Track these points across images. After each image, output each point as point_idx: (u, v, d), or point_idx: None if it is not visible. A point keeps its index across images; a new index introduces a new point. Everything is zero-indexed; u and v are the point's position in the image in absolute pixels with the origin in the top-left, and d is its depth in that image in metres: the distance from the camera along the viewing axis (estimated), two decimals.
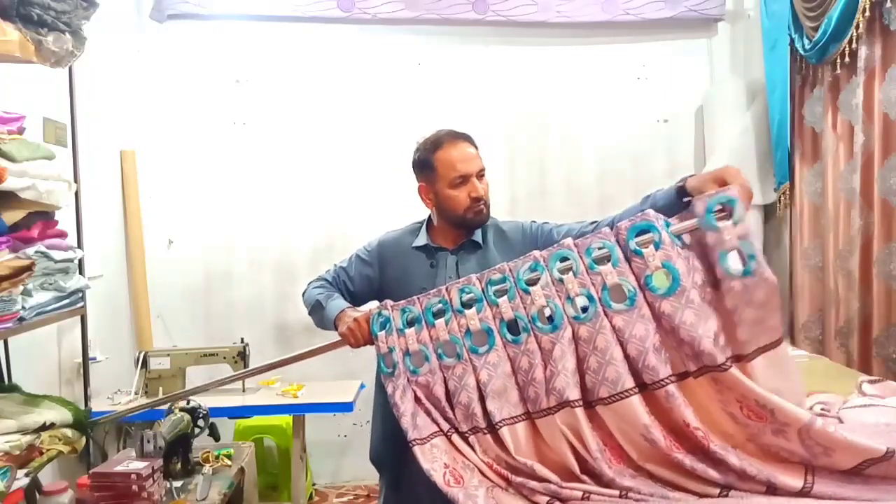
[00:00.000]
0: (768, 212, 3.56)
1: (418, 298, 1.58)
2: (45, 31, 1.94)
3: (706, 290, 1.34)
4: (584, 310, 1.40)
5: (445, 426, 1.51)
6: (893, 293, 2.66)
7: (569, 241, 1.47)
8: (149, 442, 1.81)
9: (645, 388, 1.34)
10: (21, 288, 1.89)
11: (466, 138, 1.83)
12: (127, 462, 1.74)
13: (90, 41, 2.13)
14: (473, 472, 1.45)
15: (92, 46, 2.15)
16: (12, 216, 1.94)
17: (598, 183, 3.78)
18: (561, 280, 1.44)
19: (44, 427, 1.96)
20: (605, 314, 1.38)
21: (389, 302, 1.63)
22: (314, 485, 3.66)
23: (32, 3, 1.88)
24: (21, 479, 1.77)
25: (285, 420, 3.31)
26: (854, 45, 2.76)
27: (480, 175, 1.81)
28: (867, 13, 2.66)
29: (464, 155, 1.79)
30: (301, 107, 3.64)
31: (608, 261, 1.40)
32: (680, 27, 3.71)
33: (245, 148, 3.61)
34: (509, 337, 1.48)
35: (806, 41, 3.05)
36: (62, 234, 2.16)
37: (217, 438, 2.14)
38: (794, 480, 1.25)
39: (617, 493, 1.33)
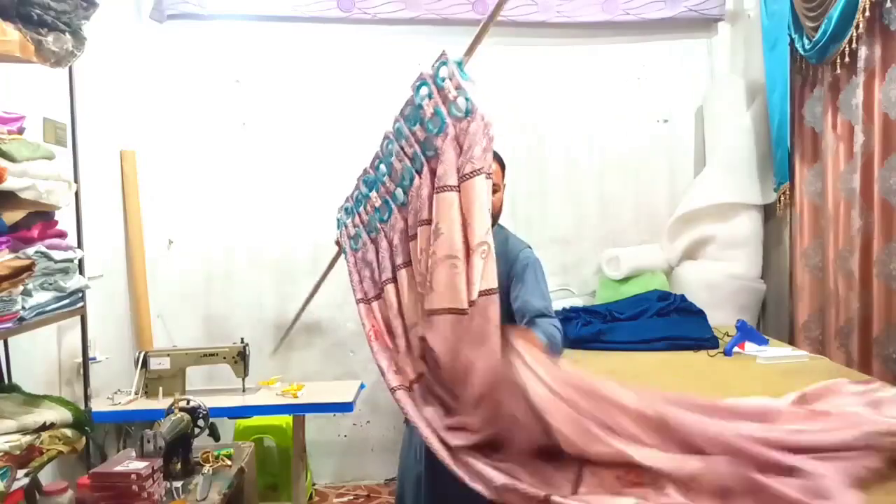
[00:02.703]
0: (768, 212, 3.56)
1: (351, 196, 2.11)
2: (45, 31, 1.94)
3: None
4: (426, 152, 1.82)
5: (372, 293, 1.94)
6: (893, 293, 2.66)
7: (397, 115, 1.91)
8: (149, 442, 1.81)
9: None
10: (21, 288, 1.89)
11: (496, 160, 2.14)
12: (127, 462, 1.74)
13: (90, 41, 2.13)
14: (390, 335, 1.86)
15: (92, 46, 2.15)
16: (12, 216, 1.95)
17: (597, 183, 3.78)
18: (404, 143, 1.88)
19: (44, 427, 1.97)
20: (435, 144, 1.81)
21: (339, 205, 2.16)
22: (314, 485, 3.66)
23: (32, 3, 1.88)
24: (21, 479, 1.77)
25: (285, 420, 3.32)
26: (854, 45, 2.76)
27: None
28: (867, 13, 2.66)
29: None
30: (301, 107, 3.64)
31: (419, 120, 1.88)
32: (680, 27, 3.71)
33: (245, 148, 3.61)
34: (399, 201, 1.88)
35: (806, 41, 3.05)
36: (62, 234, 2.16)
37: (217, 438, 2.15)
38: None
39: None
